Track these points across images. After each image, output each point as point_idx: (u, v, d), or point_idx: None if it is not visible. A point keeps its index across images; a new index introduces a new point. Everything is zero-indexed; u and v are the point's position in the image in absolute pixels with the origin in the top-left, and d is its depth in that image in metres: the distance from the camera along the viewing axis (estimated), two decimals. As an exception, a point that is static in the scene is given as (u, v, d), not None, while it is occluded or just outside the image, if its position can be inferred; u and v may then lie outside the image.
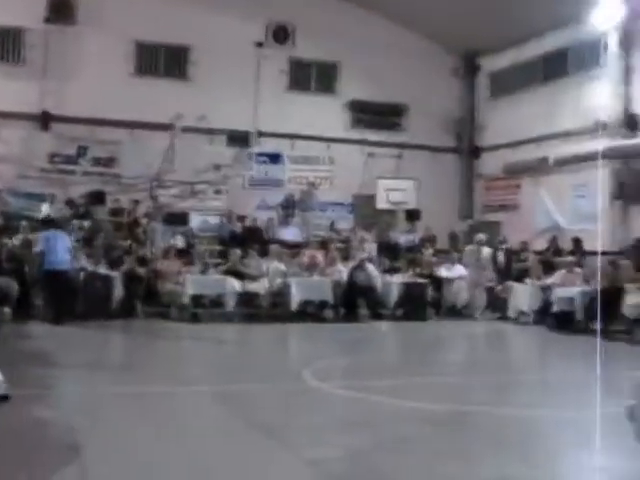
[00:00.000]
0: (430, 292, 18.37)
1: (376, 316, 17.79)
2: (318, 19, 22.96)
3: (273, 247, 19.05)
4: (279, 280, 17.46)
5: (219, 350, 13.62)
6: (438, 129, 25.02)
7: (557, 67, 22.28)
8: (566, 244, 19.95)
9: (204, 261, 18.06)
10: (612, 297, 15.12)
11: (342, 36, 23.16)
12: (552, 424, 7.94)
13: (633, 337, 15.10)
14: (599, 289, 15.03)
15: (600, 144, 18.87)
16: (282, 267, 17.88)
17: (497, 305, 18.82)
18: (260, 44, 22.94)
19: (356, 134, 24.32)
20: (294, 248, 19.66)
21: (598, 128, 19.73)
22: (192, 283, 16.76)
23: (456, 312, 18.72)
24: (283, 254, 18.67)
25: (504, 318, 18.20)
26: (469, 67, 25.74)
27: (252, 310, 17.21)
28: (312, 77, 24.35)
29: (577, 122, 20.41)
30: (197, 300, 16.84)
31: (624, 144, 19.56)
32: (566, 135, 21.10)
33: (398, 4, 22.85)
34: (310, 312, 17.52)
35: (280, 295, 17.41)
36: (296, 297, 17.07)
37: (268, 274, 17.56)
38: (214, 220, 21.80)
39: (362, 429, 7.48)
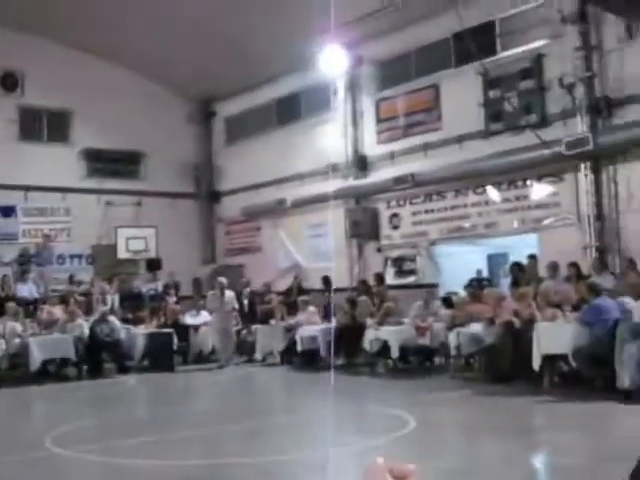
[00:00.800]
0: (176, 341, 18.16)
1: (122, 370, 17.37)
2: (48, 66, 22.30)
3: (9, 305, 18.04)
4: (16, 340, 16.57)
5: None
6: (177, 175, 24.94)
7: (290, 111, 22.94)
8: (312, 282, 20.29)
9: None
10: (353, 333, 15.65)
11: (75, 83, 22.63)
12: (296, 468, 8.02)
13: (374, 370, 15.75)
14: (333, 325, 15.54)
15: (333, 185, 19.58)
16: (19, 326, 17.00)
17: (244, 349, 18.94)
18: (-14, 92, 21.92)
19: (93, 183, 23.67)
20: (32, 305, 18.79)
21: (330, 170, 20.48)
22: None
23: (204, 359, 18.65)
24: (20, 312, 17.75)
25: (252, 361, 18.35)
26: (205, 113, 25.97)
27: (-12, 374, 16.27)
28: (44, 126, 23.47)
29: (311, 164, 20.99)
30: None
31: (355, 184, 20.40)
32: (302, 177, 21.69)
33: (132, 51, 22.66)
34: (52, 371, 16.82)
35: (18, 356, 16.50)
36: (36, 357, 16.25)
37: (4, 335, 16.63)
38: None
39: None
